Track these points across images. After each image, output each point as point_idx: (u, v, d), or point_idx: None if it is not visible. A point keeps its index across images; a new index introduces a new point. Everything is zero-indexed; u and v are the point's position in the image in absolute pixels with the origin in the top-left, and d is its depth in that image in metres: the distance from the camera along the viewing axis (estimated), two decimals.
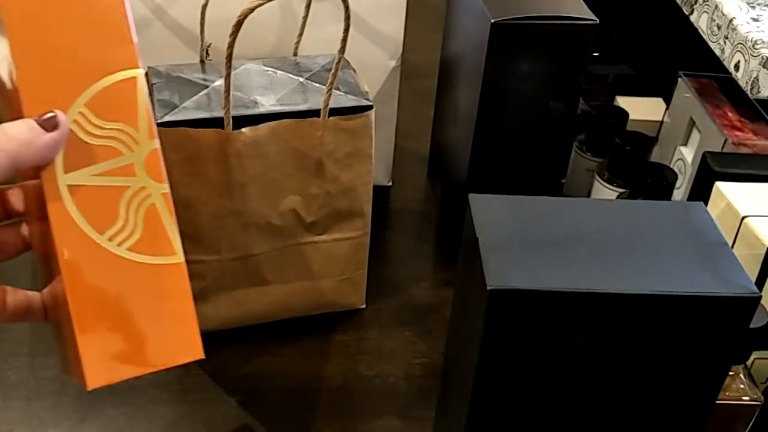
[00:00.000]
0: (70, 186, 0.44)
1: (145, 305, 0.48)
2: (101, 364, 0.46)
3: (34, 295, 0.47)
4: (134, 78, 0.46)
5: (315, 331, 0.71)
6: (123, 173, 0.46)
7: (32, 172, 0.43)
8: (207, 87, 0.65)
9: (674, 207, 0.47)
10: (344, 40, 0.61)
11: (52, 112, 0.43)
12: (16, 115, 0.45)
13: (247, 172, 0.62)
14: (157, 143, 0.47)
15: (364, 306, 0.74)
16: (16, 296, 0.46)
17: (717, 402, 0.46)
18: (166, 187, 0.48)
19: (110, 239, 0.46)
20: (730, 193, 0.59)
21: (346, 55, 0.63)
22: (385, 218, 0.86)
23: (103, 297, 0.46)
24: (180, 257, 0.48)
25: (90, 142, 0.45)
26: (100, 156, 0.45)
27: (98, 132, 0.45)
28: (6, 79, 0.45)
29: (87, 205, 0.45)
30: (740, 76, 0.69)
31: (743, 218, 0.57)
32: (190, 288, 0.49)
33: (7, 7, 0.42)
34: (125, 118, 0.46)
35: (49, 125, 0.42)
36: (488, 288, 0.40)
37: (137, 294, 0.47)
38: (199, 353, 0.50)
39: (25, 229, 0.48)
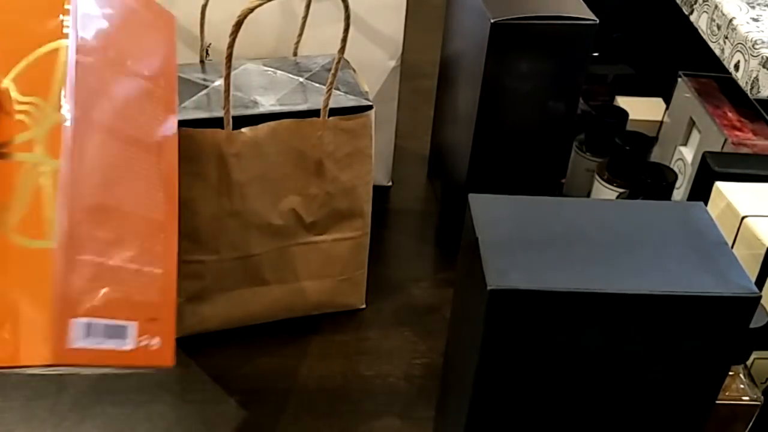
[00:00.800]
0: None
1: (8, 291, 0.43)
2: None
3: None
4: (56, 50, 0.44)
5: (315, 331, 0.71)
6: (22, 149, 0.44)
7: None
8: (207, 87, 0.65)
9: (674, 207, 0.47)
10: (344, 40, 0.61)
11: None
12: None
13: (247, 172, 0.62)
14: (65, 116, 0.44)
15: (364, 306, 0.74)
16: None
17: (717, 402, 0.46)
18: (59, 164, 0.44)
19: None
20: (730, 193, 0.59)
21: (346, 55, 0.63)
22: (385, 218, 0.86)
23: None
24: (52, 241, 0.43)
25: (6, 118, 0.43)
26: (10, 131, 0.43)
27: (15, 107, 0.44)
28: None
29: None
30: (740, 76, 0.69)
31: (743, 218, 0.57)
32: (55, 280, 0.43)
33: None
34: (41, 92, 0.44)
35: None
36: (488, 288, 0.40)
37: (4, 276, 0.43)
38: (42, 357, 0.42)
39: None
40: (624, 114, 0.83)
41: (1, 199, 0.43)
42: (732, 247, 0.51)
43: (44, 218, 0.43)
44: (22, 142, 0.44)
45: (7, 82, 0.44)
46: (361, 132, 0.65)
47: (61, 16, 0.45)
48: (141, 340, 0.48)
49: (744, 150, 0.71)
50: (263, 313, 0.70)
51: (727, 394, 0.52)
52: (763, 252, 0.55)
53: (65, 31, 0.45)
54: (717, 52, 0.73)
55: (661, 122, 0.86)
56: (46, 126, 0.44)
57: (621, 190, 0.76)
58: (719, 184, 0.60)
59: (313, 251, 0.69)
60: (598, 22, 0.67)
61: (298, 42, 0.73)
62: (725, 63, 0.72)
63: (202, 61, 0.71)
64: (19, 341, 0.42)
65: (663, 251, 0.43)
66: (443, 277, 0.79)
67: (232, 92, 0.61)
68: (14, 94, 0.44)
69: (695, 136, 0.79)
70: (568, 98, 0.71)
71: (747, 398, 0.52)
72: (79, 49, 0.46)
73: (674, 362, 0.43)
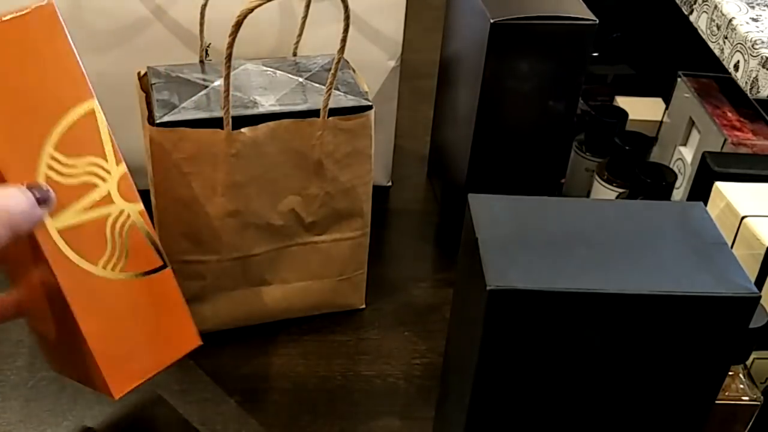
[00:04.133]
0: (59, 229, 0.47)
1: (146, 314, 0.53)
2: (120, 374, 0.52)
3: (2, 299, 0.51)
4: (92, 110, 0.49)
5: (315, 331, 0.71)
6: (103, 204, 0.49)
7: None
8: (206, 87, 0.65)
9: (674, 207, 0.47)
10: (344, 40, 0.61)
11: (45, 186, 0.45)
12: None
13: (247, 172, 0.62)
14: (124, 167, 0.51)
15: (363, 306, 0.74)
16: None
17: (717, 402, 0.46)
18: (140, 205, 0.52)
19: (104, 267, 0.50)
20: (730, 193, 0.59)
21: (345, 55, 0.63)
22: (385, 218, 0.86)
23: (109, 317, 0.51)
24: (165, 261, 0.53)
25: (67, 183, 0.47)
26: (79, 193, 0.48)
27: (72, 171, 0.48)
28: None
29: (77, 241, 0.48)
30: (740, 76, 0.69)
31: (743, 218, 0.57)
32: (178, 286, 0.55)
33: None
34: (93, 151, 0.49)
35: (43, 199, 0.44)
36: (488, 288, 0.40)
37: (137, 306, 0.52)
38: (197, 340, 0.56)
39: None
40: (624, 114, 0.83)
41: (98, 251, 0.49)
42: (732, 247, 0.51)
43: (149, 250, 0.53)
44: (100, 198, 0.49)
45: (51, 151, 0.46)
46: (360, 132, 0.65)
47: (82, 77, 0.48)
48: None
49: (743, 150, 0.71)
50: (263, 313, 0.70)
51: (726, 394, 0.52)
52: (763, 252, 0.55)
53: (91, 90, 0.49)
54: (717, 52, 0.73)
55: (661, 122, 0.86)
56: (116, 178, 0.50)
57: (621, 190, 0.76)
58: (719, 184, 0.60)
59: (312, 251, 0.69)
60: (597, 22, 0.67)
61: (297, 42, 0.73)
62: (725, 63, 0.72)
63: (201, 61, 0.71)
64: (183, 333, 0.56)
65: (662, 251, 0.43)
66: (443, 277, 0.79)
67: (231, 92, 0.61)
68: (64, 159, 0.47)
69: (695, 136, 0.79)
70: (568, 98, 0.71)
71: (747, 398, 0.52)
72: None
73: (674, 362, 0.43)
